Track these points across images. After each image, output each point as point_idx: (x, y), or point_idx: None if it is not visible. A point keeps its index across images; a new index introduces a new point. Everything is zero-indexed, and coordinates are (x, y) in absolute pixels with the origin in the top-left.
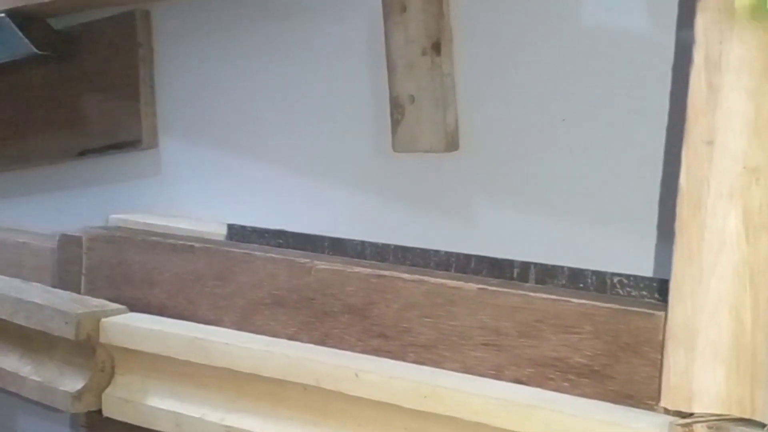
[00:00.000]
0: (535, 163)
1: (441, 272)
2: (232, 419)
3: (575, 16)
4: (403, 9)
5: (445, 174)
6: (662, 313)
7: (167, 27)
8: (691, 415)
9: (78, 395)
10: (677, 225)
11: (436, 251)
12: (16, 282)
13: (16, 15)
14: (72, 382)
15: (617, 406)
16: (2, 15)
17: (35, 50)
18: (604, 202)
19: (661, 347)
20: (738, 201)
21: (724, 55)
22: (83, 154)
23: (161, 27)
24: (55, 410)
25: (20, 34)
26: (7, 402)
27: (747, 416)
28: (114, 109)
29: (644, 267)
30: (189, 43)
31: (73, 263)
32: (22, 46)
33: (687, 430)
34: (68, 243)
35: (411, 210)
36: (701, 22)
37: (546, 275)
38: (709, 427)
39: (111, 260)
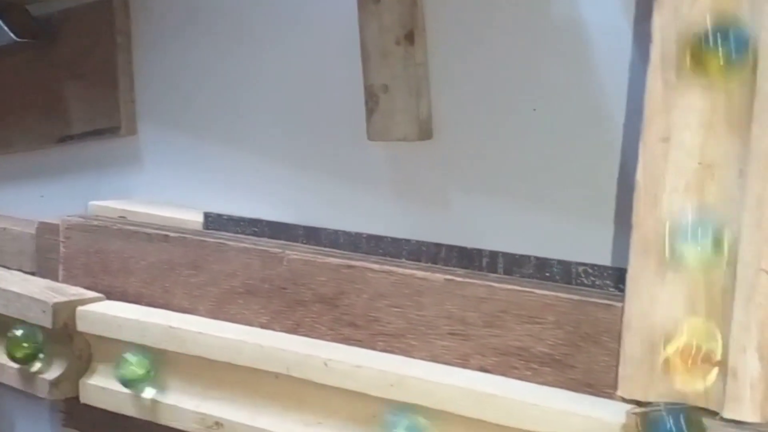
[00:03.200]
0: (507, 153)
1: (409, 263)
2: (206, 406)
3: (546, 8)
4: None
5: (418, 163)
6: (620, 305)
7: (146, 14)
8: (648, 404)
9: (56, 382)
10: (634, 219)
11: (408, 240)
12: None
13: None
14: (50, 370)
15: (577, 395)
16: None
17: (14, 37)
18: (570, 192)
19: (619, 337)
20: (693, 196)
21: (680, 53)
22: (63, 140)
23: (140, 14)
24: (35, 397)
25: None
26: None
27: (702, 405)
28: (93, 95)
29: (606, 257)
30: (167, 31)
31: (51, 251)
32: (2, 33)
33: (643, 418)
34: (46, 231)
35: (385, 199)
36: (658, 21)
37: (514, 264)
38: (666, 415)
39: (88, 249)
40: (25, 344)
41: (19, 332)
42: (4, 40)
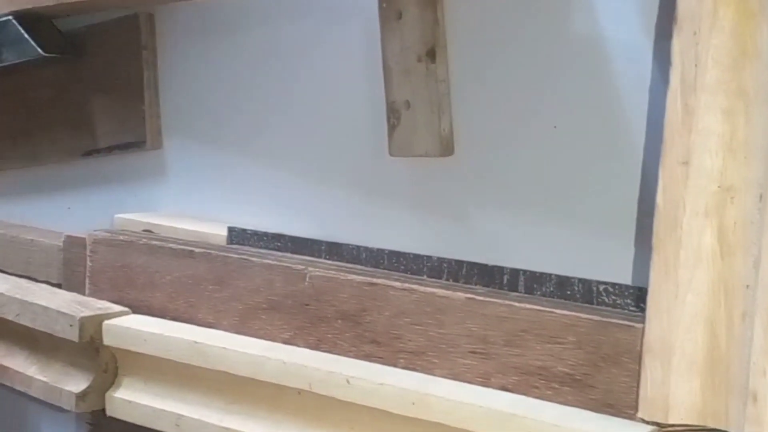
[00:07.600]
0: (527, 169)
1: (431, 281)
2: (230, 421)
3: (566, 26)
4: (399, 16)
5: (439, 178)
6: (641, 326)
7: (170, 30)
8: (668, 425)
9: (82, 395)
10: (654, 242)
11: (429, 257)
12: (23, 282)
13: (23, 17)
14: (76, 383)
15: (597, 415)
16: (9, 17)
17: (42, 52)
18: (590, 209)
19: (640, 359)
20: (713, 219)
21: (700, 76)
22: (89, 154)
23: (165, 29)
24: (61, 409)
25: (27, 36)
26: (16, 398)
27: (722, 428)
28: (119, 110)
29: (628, 276)
30: (191, 46)
31: (78, 264)
32: (29, 48)
33: None
34: (73, 244)
35: (406, 214)
36: (677, 44)
37: (534, 282)
38: None
39: (114, 263)
40: None
41: None
42: (32, 54)
